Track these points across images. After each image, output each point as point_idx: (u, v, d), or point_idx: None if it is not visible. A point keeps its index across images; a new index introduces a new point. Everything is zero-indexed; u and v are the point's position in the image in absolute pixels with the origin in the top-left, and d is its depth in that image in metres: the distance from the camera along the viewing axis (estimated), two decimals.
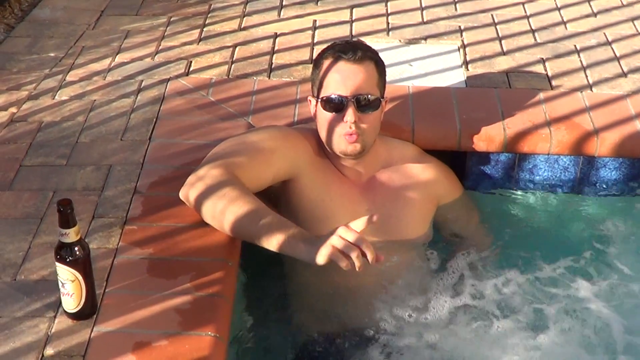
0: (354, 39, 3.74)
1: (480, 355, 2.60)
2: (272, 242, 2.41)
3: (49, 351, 2.21)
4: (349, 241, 2.29)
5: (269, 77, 3.53)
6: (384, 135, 2.94)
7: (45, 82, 3.47)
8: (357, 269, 2.30)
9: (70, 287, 2.24)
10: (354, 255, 2.28)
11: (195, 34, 3.89)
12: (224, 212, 2.48)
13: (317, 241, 2.34)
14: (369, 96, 2.70)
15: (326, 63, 2.74)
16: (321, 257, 2.31)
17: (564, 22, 4.04)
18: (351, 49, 2.71)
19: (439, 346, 2.61)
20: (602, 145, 3.13)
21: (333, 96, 2.70)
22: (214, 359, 2.21)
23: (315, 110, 2.79)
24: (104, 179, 2.86)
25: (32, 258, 2.52)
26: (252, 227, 2.45)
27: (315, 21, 4.02)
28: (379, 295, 2.75)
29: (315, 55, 2.95)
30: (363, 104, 2.69)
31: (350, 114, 2.67)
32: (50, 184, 2.84)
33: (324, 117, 2.73)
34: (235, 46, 3.77)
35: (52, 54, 3.70)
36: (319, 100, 2.74)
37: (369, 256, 2.30)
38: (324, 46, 2.84)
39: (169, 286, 2.41)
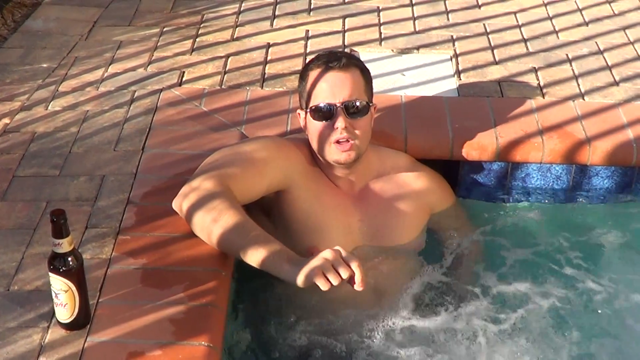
0: (346, 50, 3.76)
1: None
2: (255, 257, 2.41)
3: None
4: (333, 265, 2.32)
5: (262, 87, 3.53)
6: (377, 144, 2.94)
7: (38, 92, 3.47)
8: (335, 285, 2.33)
9: (64, 298, 2.24)
10: (334, 280, 2.30)
11: (188, 44, 3.89)
12: (211, 224, 2.49)
13: (301, 262, 2.36)
14: (358, 102, 2.71)
15: (312, 74, 2.75)
16: (302, 278, 2.33)
17: (555, 32, 4.06)
18: (336, 58, 2.73)
19: (432, 354, 2.61)
20: (595, 154, 3.14)
21: (322, 105, 2.71)
22: None
23: (305, 122, 2.79)
24: (97, 189, 2.86)
25: (26, 268, 2.52)
26: (237, 241, 2.45)
27: (307, 31, 4.03)
28: (372, 304, 2.75)
29: None
30: (352, 111, 2.70)
31: (340, 121, 2.68)
32: (44, 194, 2.84)
33: (315, 127, 2.74)
34: (228, 56, 3.78)
35: (44, 65, 3.70)
36: (309, 110, 2.74)
37: (358, 278, 2.33)
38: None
39: (162, 296, 2.41)
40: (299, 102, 2.84)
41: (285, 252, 2.42)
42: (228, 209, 2.48)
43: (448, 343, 2.65)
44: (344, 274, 2.32)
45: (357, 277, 2.34)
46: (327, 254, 2.34)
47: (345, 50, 3.78)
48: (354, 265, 2.34)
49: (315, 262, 2.34)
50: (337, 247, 2.37)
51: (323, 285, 2.31)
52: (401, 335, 2.67)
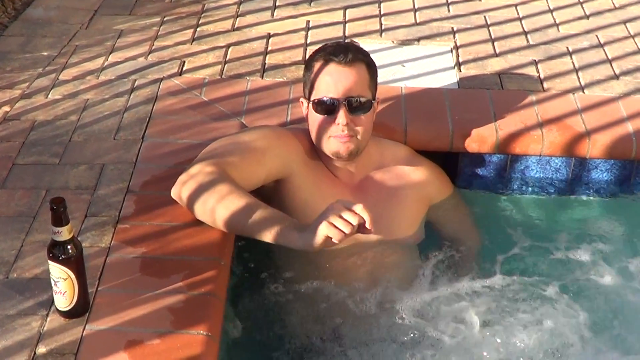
0: (347, 40, 3.75)
1: (472, 355, 2.61)
2: (267, 235, 2.42)
3: (41, 349, 2.22)
4: (340, 215, 2.32)
5: (262, 77, 3.53)
6: (376, 135, 2.94)
7: (38, 80, 3.47)
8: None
9: (63, 286, 2.24)
10: (345, 228, 2.31)
11: (188, 33, 3.89)
12: (216, 207, 2.49)
13: (310, 226, 2.36)
14: (361, 98, 2.71)
15: (317, 65, 2.75)
16: (314, 237, 2.33)
17: (556, 24, 4.06)
18: (342, 51, 2.72)
19: (431, 345, 2.61)
20: (594, 147, 3.14)
21: (325, 98, 2.71)
22: (206, 357, 2.21)
23: (307, 112, 2.79)
24: (96, 178, 2.86)
25: (25, 256, 2.52)
26: (246, 221, 2.45)
27: (308, 22, 4.03)
28: (371, 296, 2.75)
29: (308, 55, 2.95)
30: (355, 106, 2.70)
31: (342, 116, 2.68)
32: (43, 182, 2.85)
33: (316, 119, 2.74)
34: (228, 46, 3.78)
35: (45, 53, 3.70)
36: (311, 102, 2.74)
37: (367, 220, 2.33)
38: (317, 47, 2.85)
39: (161, 285, 2.41)
40: (303, 90, 2.84)
41: (292, 222, 2.43)
42: (231, 191, 2.49)
43: (446, 335, 2.65)
44: (353, 220, 2.31)
45: (367, 220, 2.33)
46: (330, 207, 2.34)
47: (347, 41, 3.78)
48: (360, 209, 2.33)
49: (321, 217, 2.34)
50: (337, 200, 2.38)
51: (335, 236, 2.31)
52: (399, 327, 2.67)
